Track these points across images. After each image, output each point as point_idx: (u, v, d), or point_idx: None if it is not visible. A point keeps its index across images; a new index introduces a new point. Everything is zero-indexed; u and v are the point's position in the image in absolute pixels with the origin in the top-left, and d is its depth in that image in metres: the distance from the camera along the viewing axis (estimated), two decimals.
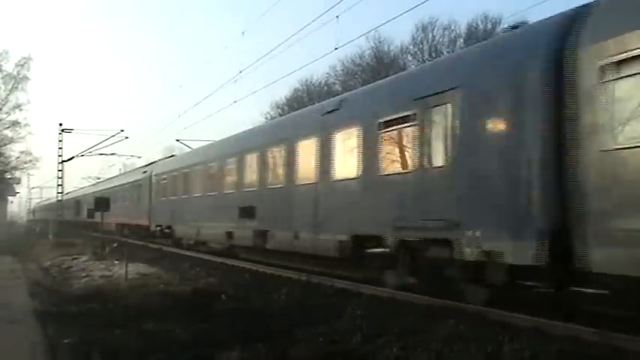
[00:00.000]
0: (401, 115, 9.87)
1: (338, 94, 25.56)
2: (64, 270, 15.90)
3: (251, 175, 15.94)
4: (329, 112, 12.51)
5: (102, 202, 22.98)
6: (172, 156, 29.09)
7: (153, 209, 26.04)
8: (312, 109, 16.60)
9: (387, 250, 9.96)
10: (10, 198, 68.89)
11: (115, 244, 21.61)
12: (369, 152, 10.69)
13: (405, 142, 9.89)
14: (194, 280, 12.54)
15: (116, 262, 16.19)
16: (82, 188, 53.82)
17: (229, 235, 16.97)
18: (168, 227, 23.52)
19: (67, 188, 47.52)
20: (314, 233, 12.30)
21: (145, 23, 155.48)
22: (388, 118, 10.23)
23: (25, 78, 40.10)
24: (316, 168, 12.47)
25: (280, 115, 47.00)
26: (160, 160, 30.01)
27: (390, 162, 10.31)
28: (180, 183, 22.33)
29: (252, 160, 15.86)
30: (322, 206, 12.17)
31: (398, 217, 9.70)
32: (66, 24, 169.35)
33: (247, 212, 15.55)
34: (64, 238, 29.39)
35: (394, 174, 10.12)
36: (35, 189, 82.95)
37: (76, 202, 45.42)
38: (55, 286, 12.51)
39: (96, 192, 38.79)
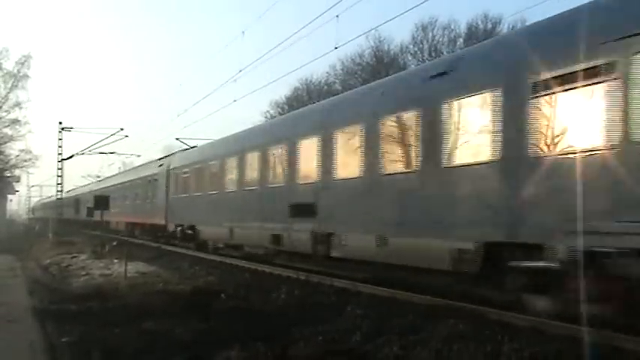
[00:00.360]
0: (578, 69, 6.89)
1: (338, 94, 25.46)
2: (64, 268, 15.90)
3: (308, 164, 12.58)
4: (436, 77, 9.47)
5: (101, 201, 22.86)
6: (194, 147, 25.38)
7: (171, 207, 22.79)
8: (405, 75, 13.29)
9: (554, 264, 7.04)
10: (9, 196, 68.87)
11: (115, 243, 21.64)
12: (514, 126, 7.73)
13: (587, 108, 6.88)
14: (193, 278, 12.56)
15: (115, 260, 16.22)
16: (88, 185, 51.68)
17: (276, 238, 13.60)
18: (191, 227, 20.12)
19: (67, 187, 47.40)
20: (413, 238, 9.37)
21: (146, 22, 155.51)
22: (550, 76, 7.23)
23: (25, 76, 40.03)
24: (417, 151, 9.46)
25: (280, 114, 46.88)
26: (178, 151, 26.39)
27: (557, 138, 7.28)
28: (206, 177, 19.01)
29: (309, 146, 12.57)
30: (428, 203, 9.21)
31: (577, 217, 6.69)
32: (66, 22, 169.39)
33: (303, 210, 12.46)
34: (63, 236, 29.39)
35: (566, 154, 7.07)
36: (35, 187, 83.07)
37: (76, 201, 45.30)
38: (55, 284, 12.50)
39: (101, 189, 37.17)
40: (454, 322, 6.98)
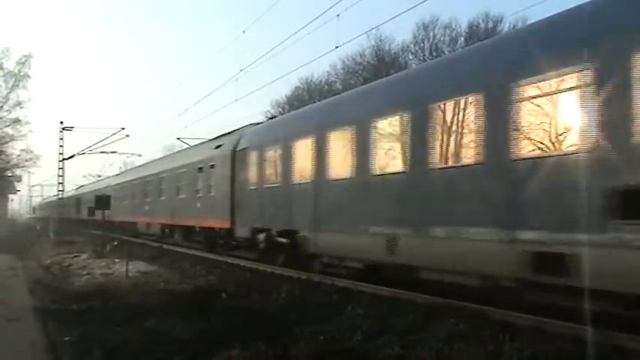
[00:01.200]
0: None
1: (338, 93, 25.49)
2: (65, 268, 15.93)
3: None
4: None
5: (103, 201, 22.78)
6: (273, 118, 17.89)
7: (241, 203, 16.31)
8: None
9: None
10: (10, 196, 68.98)
11: (116, 243, 21.66)
12: None
13: None
14: (194, 278, 12.55)
15: (117, 260, 16.23)
16: (106, 178, 47.16)
17: (547, 261, 6.99)
18: (287, 234, 13.48)
19: (68, 186, 47.12)
20: None
21: (146, 21, 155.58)
22: None
23: (26, 76, 40.04)
24: None
25: (281, 113, 46.77)
26: (247, 125, 19.28)
27: None
28: (323, 155, 12.00)
29: None
30: None
31: None
32: (67, 22, 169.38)
33: None
34: (64, 236, 29.41)
35: None
36: (36, 187, 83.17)
37: (77, 200, 45.19)
38: (56, 283, 12.53)
39: (125, 183, 34.02)
40: (455, 322, 6.97)
